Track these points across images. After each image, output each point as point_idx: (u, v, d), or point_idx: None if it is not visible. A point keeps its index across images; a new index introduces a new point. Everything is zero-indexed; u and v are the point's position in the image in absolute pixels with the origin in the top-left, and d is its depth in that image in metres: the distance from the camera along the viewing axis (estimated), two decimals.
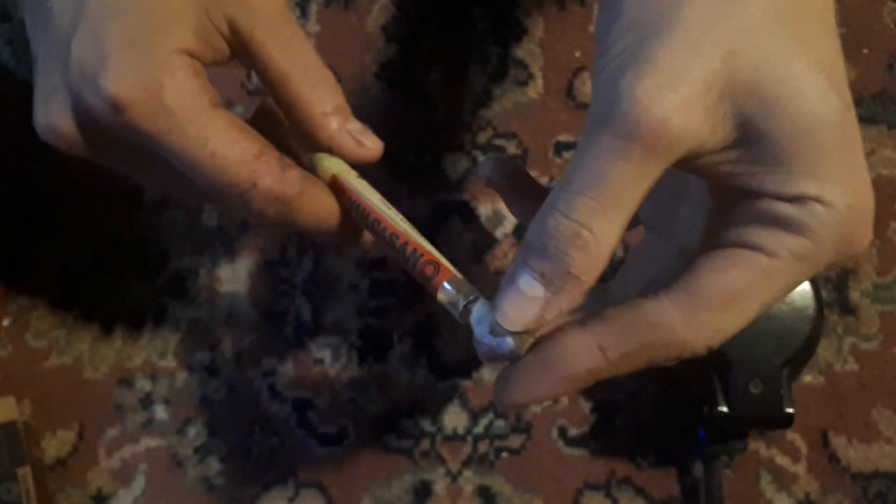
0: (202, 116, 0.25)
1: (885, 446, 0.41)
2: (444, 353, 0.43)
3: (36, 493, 0.41)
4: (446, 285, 0.25)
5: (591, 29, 0.45)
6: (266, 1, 0.27)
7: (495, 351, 0.23)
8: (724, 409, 0.36)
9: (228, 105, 0.45)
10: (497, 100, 0.45)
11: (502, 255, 0.44)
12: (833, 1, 0.23)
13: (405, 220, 0.27)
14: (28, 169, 0.46)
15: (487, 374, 0.43)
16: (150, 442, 0.44)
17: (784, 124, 0.21)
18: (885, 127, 0.43)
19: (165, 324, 0.45)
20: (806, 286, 0.37)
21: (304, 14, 0.46)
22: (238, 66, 0.45)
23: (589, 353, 0.22)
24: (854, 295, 0.42)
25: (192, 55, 0.26)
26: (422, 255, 0.25)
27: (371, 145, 0.29)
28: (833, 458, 0.41)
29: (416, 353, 0.43)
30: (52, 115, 0.26)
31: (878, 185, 0.42)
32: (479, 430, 0.43)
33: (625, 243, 0.43)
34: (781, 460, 0.41)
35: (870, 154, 0.43)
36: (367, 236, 0.30)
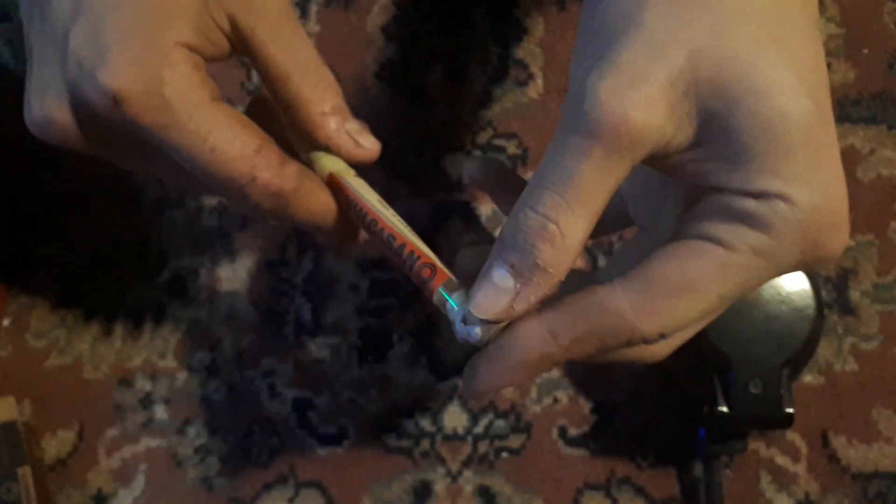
0: (202, 111, 0.25)
1: (885, 446, 0.41)
2: (444, 353, 0.43)
3: (36, 493, 0.41)
4: (442, 290, 0.25)
5: None
6: None
7: (466, 339, 0.24)
8: (724, 409, 0.36)
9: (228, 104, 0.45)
10: (497, 100, 0.45)
11: None
12: (816, 2, 0.23)
13: (402, 220, 0.27)
14: (28, 169, 0.46)
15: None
16: (150, 442, 0.44)
17: (748, 122, 0.21)
18: (885, 127, 0.43)
19: (165, 324, 0.45)
20: (806, 286, 0.37)
21: (304, 14, 0.46)
22: (238, 67, 0.45)
23: (540, 338, 0.23)
24: (854, 295, 0.42)
25: (192, 49, 0.26)
26: (419, 257, 0.26)
27: (369, 146, 0.29)
28: (833, 458, 0.41)
29: (416, 353, 0.43)
30: (48, 108, 0.26)
31: (878, 185, 0.42)
32: (479, 430, 0.43)
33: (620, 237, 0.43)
34: (781, 460, 0.41)
35: (870, 154, 0.43)
36: (364, 236, 0.30)
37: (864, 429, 0.41)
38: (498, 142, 0.45)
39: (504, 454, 0.43)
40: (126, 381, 0.44)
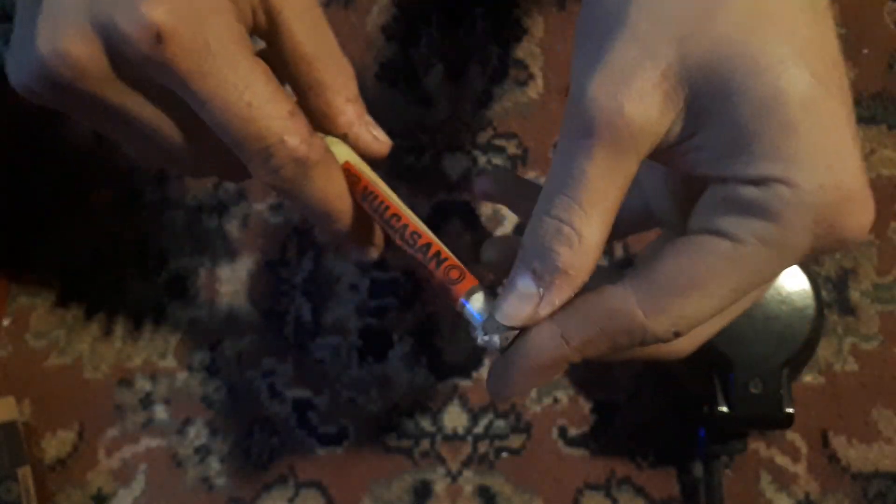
0: (243, 63, 0.24)
1: (885, 446, 0.41)
2: (444, 353, 0.43)
3: (36, 493, 0.41)
4: (466, 298, 0.24)
5: None
6: None
7: (487, 346, 0.24)
8: (724, 409, 0.36)
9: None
10: (497, 100, 0.45)
11: None
12: None
13: (418, 218, 0.26)
14: (28, 169, 0.46)
15: (487, 373, 0.43)
16: (150, 442, 0.44)
17: (740, 102, 0.20)
18: (885, 127, 0.43)
19: (165, 324, 0.45)
20: (806, 286, 0.37)
21: None
22: None
23: (552, 342, 0.23)
24: (854, 295, 0.42)
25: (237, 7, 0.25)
26: (445, 258, 0.25)
27: (384, 139, 0.29)
28: (833, 458, 0.41)
29: (416, 353, 0.43)
30: (64, 40, 0.23)
31: (878, 185, 0.42)
32: (479, 430, 0.43)
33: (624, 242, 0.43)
34: (781, 460, 0.41)
35: (870, 154, 0.43)
36: (381, 239, 0.29)
37: (864, 429, 0.41)
38: (498, 142, 0.45)
39: (504, 454, 0.43)
40: (126, 381, 0.44)
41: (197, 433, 0.44)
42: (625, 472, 0.42)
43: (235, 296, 0.45)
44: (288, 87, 0.28)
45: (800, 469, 0.41)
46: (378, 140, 0.29)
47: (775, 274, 0.22)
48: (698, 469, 0.41)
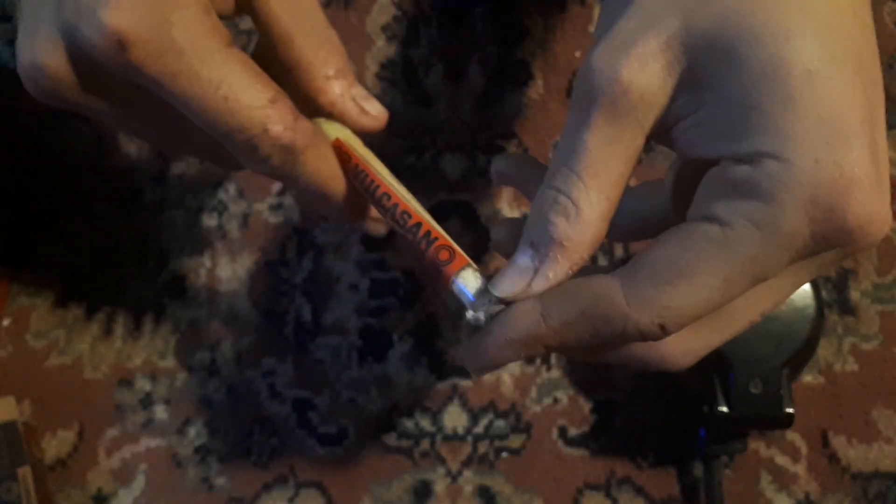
0: (215, 57, 0.23)
1: (885, 446, 0.41)
2: (444, 353, 0.43)
3: (36, 493, 0.41)
4: (457, 277, 0.24)
5: (592, 29, 0.45)
6: None
7: (475, 324, 0.23)
8: (724, 409, 0.36)
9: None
10: (497, 100, 0.45)
11: None
12: None
13: (413, 196, 0.26)
14: (28, 169, 0.46)
15: (487, 374, 0.43)
16: (150, 442, 0.44)
17: (742, 74, 0.19)
18: (886, 127, 0.43)
19: (165, 324, 0.45)
20: (806, 286, 0.37)
21: None
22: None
23: (530, 317, 0.22)
24: (854, 295, 0.42)
25: None
26: (435, 238, 0.24)
27: (375, 113, 0.28)
28: (833, 458, 0.41)
29: (416, 353, 0.43)
30: (38, 53, 0.23)
31: None
32: (479, 430, 0.43)
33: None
34: (781, 460, 0.41)
35: None
36: (374, 214, 0.28)
37: (864, 429, 0.41)
38: (498, 142, 0.45)
39: (504, 454, 0.43)
40: (126, 381, 0.44)
41: (197, 433, 0.44)
42: (625, 472, 0.42)
43: (235, 296, 0.45)
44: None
45: (800, 469, 0.41)
46: (367, 113, 0.28)
47: (773, 265, 0.20)
48: (698, 469, 0.41)
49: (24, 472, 0.41)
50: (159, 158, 0.46)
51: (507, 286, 0.22)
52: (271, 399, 0.44)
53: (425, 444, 0.43)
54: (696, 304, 0.20)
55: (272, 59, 0.27)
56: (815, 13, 0.19)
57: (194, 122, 0.24)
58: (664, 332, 0.21)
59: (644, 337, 0.21)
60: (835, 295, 0.42)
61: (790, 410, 0.36)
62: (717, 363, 0.37)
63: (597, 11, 0.45)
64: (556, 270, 0.22)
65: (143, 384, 0.44)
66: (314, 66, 0.27)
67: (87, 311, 0.45)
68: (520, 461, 0.42)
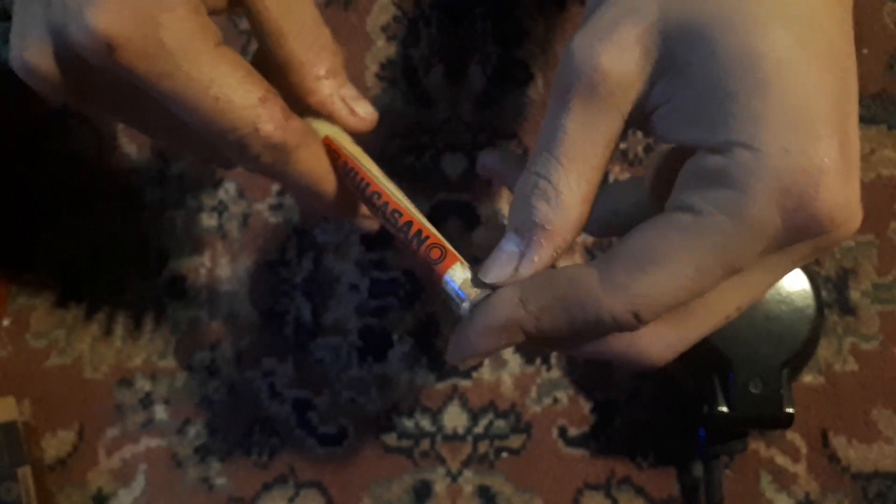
0: (204, 57, 0.23)
1: (885, 446, 0.41)
2: (445, 353, 0.43)
3: (36, 493, 0.41)
4: (449, 276, 0.24)
5: None
6: None
7: (461, 315, 0.23)
8: (724, 409, 0.36)
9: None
10: (497, 100, 0.45)
11: None
12: None
13: (403, 193, 0.26)
14: (28, 169, 0.46)
15: (487, 373, 0.43)
16: (150, 442, 0.44)
17: (716, 61, 0.19)
18: (885, 127, 0.43)
19: (165, 324, 0.45)
20: (806, 286, 0.37)
21: None
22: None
23: (510, 302, 0.22)
24: (854, 295, 0.42)
25: None
26: (427, 237, 0.24)
27: (364, 114, 0.28)
28: (833, 458, 0.41)
29: (416, 353, 0.43)
30: (28, 53, 0.24)
31: (878, 185, 0.42)
32: (479, 430, 0.43)
33: None
34: (781, 460, 0.41)
35: (870, 154, 0.43)
36: (366, 211, 0.29)
37: (864, 429, 0.41)
38: (498, 142, 0.45)
39: (504, 454, 0.43)
40: (126, 381, 0.44)
41: (197, 433, 0.44)
42: (625, 472, 0.42)
43: (235, 296, 0.45)
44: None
45: (800, 469, 0.41)
46: (356, 114, 0.28)
47: (745, 255, 0.20)
48: (698, 469, 0.41)
49: (24, 472, 0.41)
50: (159, 158, 0.46)
51: (495, 272, 0.23)
52: (271, 399, 0.44)
53: (425, 444, 0.43)
54: (669, 292, 0.20)
55: (268, 58, 0.27)
56: (788, 4, 0.19)
57: (186, 121, 0.24)
58: (638, 320, 0.21)
59: (619, 325, 0.21)
60: (835, 295, 0.42)
61: (790, 410, 0.36)
62: (717, 363, 0.37)
63: None
64: (542, 254, 0.22)
65: (143, 384, 0.44)
66: (305, 65, 0.27)
67: (87, 311, 0.45)
68: (520, 461, 0.42)
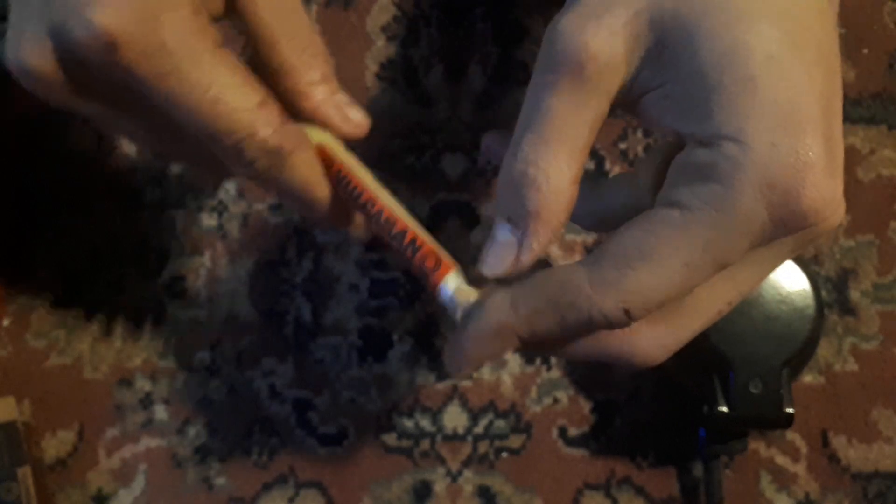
0: (205, 58, 0.23)
1: (885, 446, 0.41)
2: (444, 353, 0.43)
3: (36, 493, 0.41)
4: (442, 287, 0.24)
5: None
6: None
7: (456, 322, 0.23)
8: (724, 409, 0.36)
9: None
10: (497, 100, 0.45)
11: None
12: None
13: (398, 202, 0.26)
14: (28, 169, 0.46)
15: (487, 373, 0.43)
16: (150, 442, 0.44)
17: (705, 52, 0.20)
18: (886, 127, 0.43)
19: (165, 324, 0.45)
20: (806, 286, 0.37)
21: None
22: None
23: (501, 306, 0.22)
24: (854, 295, 0.42)
25: None
26: (420, 245, 0.24)
27: (358, 120, 0.28)
28: (833, 458, 0.41)
29: (416, 353, 0.43)
30: (24, 52, 0.23)
31: (878, 185, 0.42)
32: (479, 430, 0.43)
33: None
34: (781, 460, 0.41)
35: (870, 154, 0.43)
36: (360, 221, 0.28)
37: (864, 429, 0.41)
38: None
39: (504, 454, 0.43)
40: (126, 381, 0.44)
41: (197, 433, 0.44)
42: (625, 472, 0.42)
43: (235, 296, 0.45)
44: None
45: (800, 469, 0.41)
46: (350, 120, 0.27)
47: (733, 249, 0.20)
48: (698, 469, 0.41)
49: (24, 472, 0.41)
50: (159, 158, 0.46)
51: (495, 264, 0.23)
52: (271, 399, 0.44)
53: (425, 444, 0.43)
54: (658, 288, 0.20)
55: (261, 66, 0.27)
56: (778, 2, 0.20)
57: (183, 123, 0.24)
58: (629, 317, 0.21)
59: (610, 323, 0.21)
60: (835, 295, 0.42)
61: (790, 410, 0.36)
62: (717, 363, 0.37)
63: None
64: (540, 240, 0.22)
65: (143, 384, 0.44)
66: (298, 70, 0.26)
67: (87, 311, 0.45)
68: (520, 461, 0.42)
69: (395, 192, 0.27)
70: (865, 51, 0.43)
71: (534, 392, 0.43)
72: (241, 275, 0.45)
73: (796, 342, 0.36)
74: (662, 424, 0.42)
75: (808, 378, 0.42)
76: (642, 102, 0.22)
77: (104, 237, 0.45)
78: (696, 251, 0.20)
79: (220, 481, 0.43)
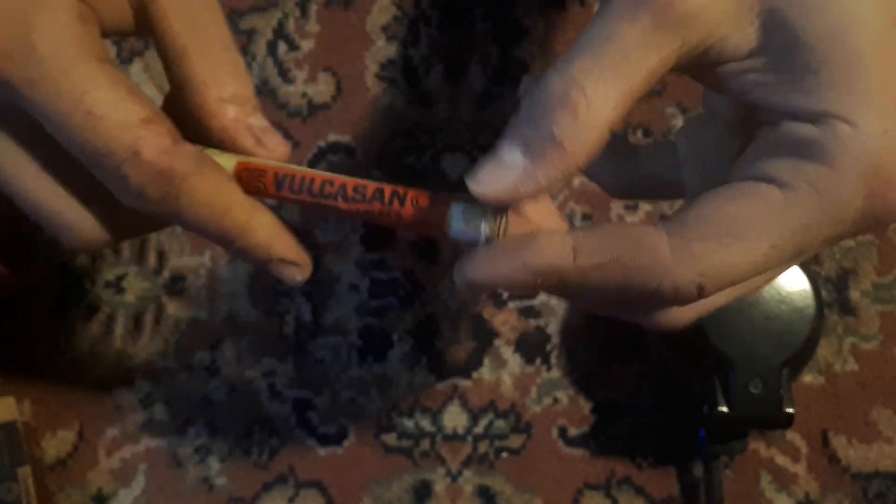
0: (80, 67, 0.20)
1: (885, 446, 0.41)
2: (444, 353, 0.43)
3: (36, 493, 0.41)
4: (452, 212, 0.21)
5: None
6: None
7: (466, 238, 0.21)
8: (724, 409, 0.36)
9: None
10: (497, 100, 0.45)
11: None
12: None
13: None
14: None
15: (487, 373, 0.43)
16: (150, 442, 0.44)
17: (815, 23, 0.18)
18: None
19: (165, 324, 0.45)
20: (806, 286, 0.37)
21: (304, 14, 0.46)
22: None
23: (559, 248, 0.20)
24: (854, 295, 0.42)
25: (82, 1, 0.21)
26: (405, 193, 0.22)
27: (273, 146, 0.24)
28: (833, 458, 0.41)
29: (416, 353, 0.43)
30: None
31: None
32: (479, 430, 0.43)
33: None
34: (781, 460, 0.41)
35: None
36: (301, 257, 0.25)
37: (864, 429, 0.41)
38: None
39: (504, 454, 0.43)
40: (126, 381, 0.44)
41: (197, 433, 0.44)
42: (625, 472, 0.42)
43: (235, 296, 0.45)
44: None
45: (800, 469, 0.41)
46: (264, 147, 0.23)
47: (820, 237, 0.19)
48: (698, 469, 0.41)
49: (24, 472, 0.41)
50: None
51: (487, 180, 0.20)
52: (271, 399, 0.44)
53: (425, 444, 0.43)
54: (741, 268, 0.19)
55: (177, 96, 0.24)
56: None
57: (61, 143, 0.21)
58: (701, 293, 0.19)
59: (678, 296, 0.19)
60: (835, 295, 0.42)
61: (790, 410, 0.36)
62: (717, 363, 0.37)
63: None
64: (549, 175, 0.19)
65: (143, 384, 0.44)
66: (207, 84, 0.23)
67: (87, 311, 0.45)
68: (520, 461, 0.42)
69: None
70: None
71: (534, 392, 0.43)
72: (241, 275, 0.45)
73: (796, 342, 0.36)
74: (662, 424, 0.42)
75: (808, 378, 0.42)
76: (725, 69, 0.20)
77: None
78: (786, 233, 0.19)
79: (220, 481, 0.43)
